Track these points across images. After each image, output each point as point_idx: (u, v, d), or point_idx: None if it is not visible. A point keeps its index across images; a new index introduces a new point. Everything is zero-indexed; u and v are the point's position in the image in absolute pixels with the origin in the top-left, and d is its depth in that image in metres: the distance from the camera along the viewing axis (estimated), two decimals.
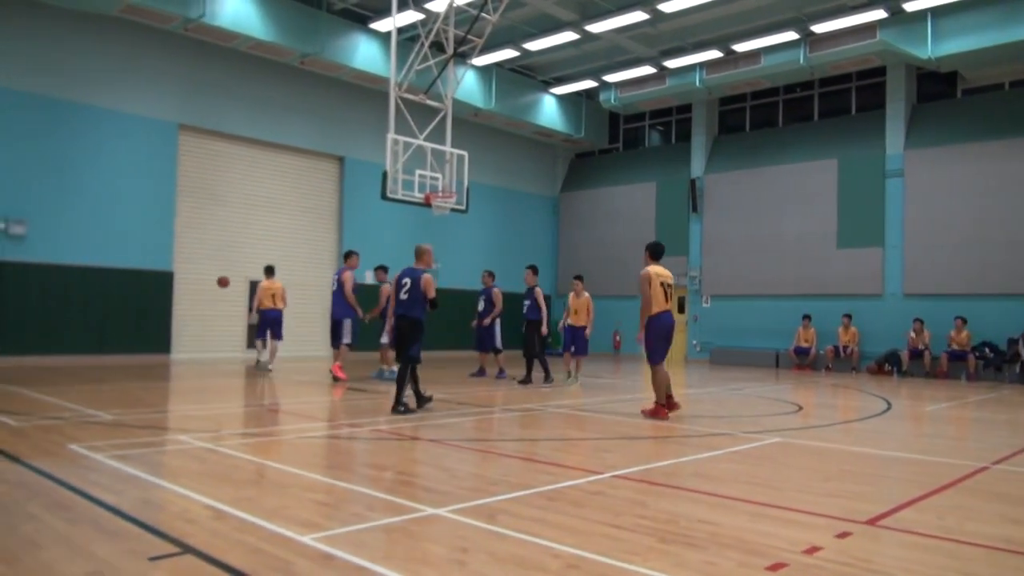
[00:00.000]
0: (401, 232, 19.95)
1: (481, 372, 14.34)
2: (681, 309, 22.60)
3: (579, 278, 13.18)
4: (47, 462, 5.58)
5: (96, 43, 15.69)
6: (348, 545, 3.76)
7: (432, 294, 8.67)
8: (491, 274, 14.25)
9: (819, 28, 17.32)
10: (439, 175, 14.16)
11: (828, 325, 18.79)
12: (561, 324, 13.51)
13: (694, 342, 21.96)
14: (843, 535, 4.12)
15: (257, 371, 14.16)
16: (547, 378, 12.93)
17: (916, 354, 17.24)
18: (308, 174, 19.53)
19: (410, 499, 4.74)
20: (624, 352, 23.38)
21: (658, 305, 8.60)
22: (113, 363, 15.18)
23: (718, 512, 4.57)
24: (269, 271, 14.62)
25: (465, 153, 14.50)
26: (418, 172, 13.86)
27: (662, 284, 8.68)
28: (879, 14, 16.50)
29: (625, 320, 23.27)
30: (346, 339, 12.44)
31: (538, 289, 13.31)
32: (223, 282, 14.26)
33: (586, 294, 12.96)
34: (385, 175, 13.21)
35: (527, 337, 13.08)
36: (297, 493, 4.85)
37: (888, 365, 17.66)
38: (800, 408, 10.40)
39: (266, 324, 14.25)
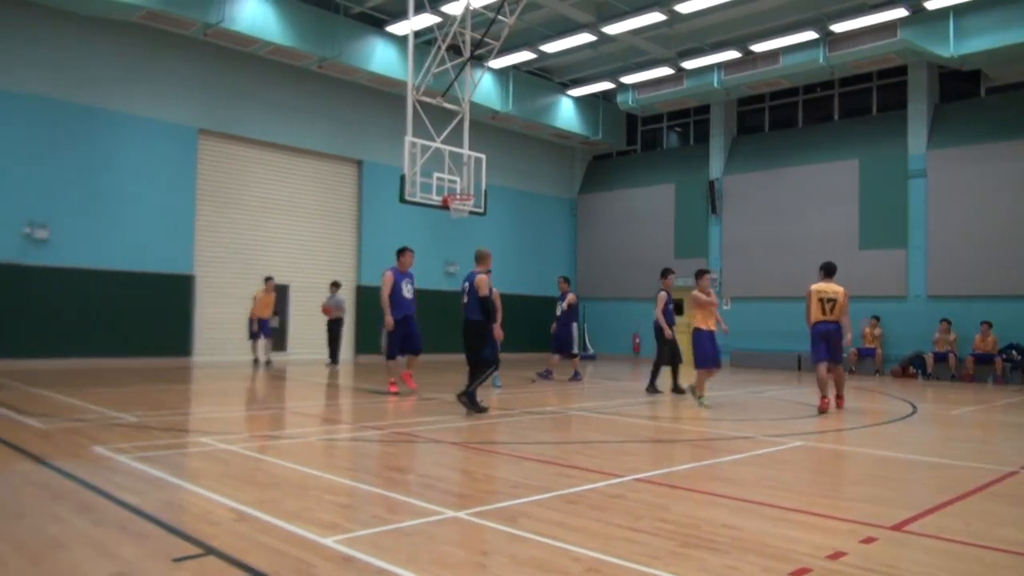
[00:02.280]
0: (419, 235, 19.97)
1: (577, 376, 14.38)
2: None
3: (706, 272, 10.77)
4: (72, 464, 5.64)
5: (116, 49, 15.88)
6: (369, 547, 3.77)
7: (483, 293, 8.93)
8: (567, 279, 14.64)
9: (839, 27, 17.17)
10: (456, 178, 14.17)
11: (851, 327, 18.56)
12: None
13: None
14: (868, 540, 4.06)
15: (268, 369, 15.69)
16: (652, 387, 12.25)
17: (941, 357, 17.02)
18: (326, 178, 19.64)
19: (430, 502, 4.73)
20: (644, 355, 23.27)
21: (815, 317, 10.15)
22: (135, 366, 15.33)
23: (740, 516, 4.53)
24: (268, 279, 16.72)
25: (483, 156, 14.50)
26: (436, 175, 13.88)
27: (820, 299, 10.11)
28: (900, 12, 16.32)
29: (644, 322, 23.14)
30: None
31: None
32: (328, 311, 17.11)
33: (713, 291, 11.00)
34: (403, 178, 13.25)
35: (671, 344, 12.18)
36: (318, 495, 4.86)
37: (913, 368, 17.45)
38: (823, 411, 10.29)
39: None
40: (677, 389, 11.91)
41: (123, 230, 15.85)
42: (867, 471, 6.18)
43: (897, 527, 4.35)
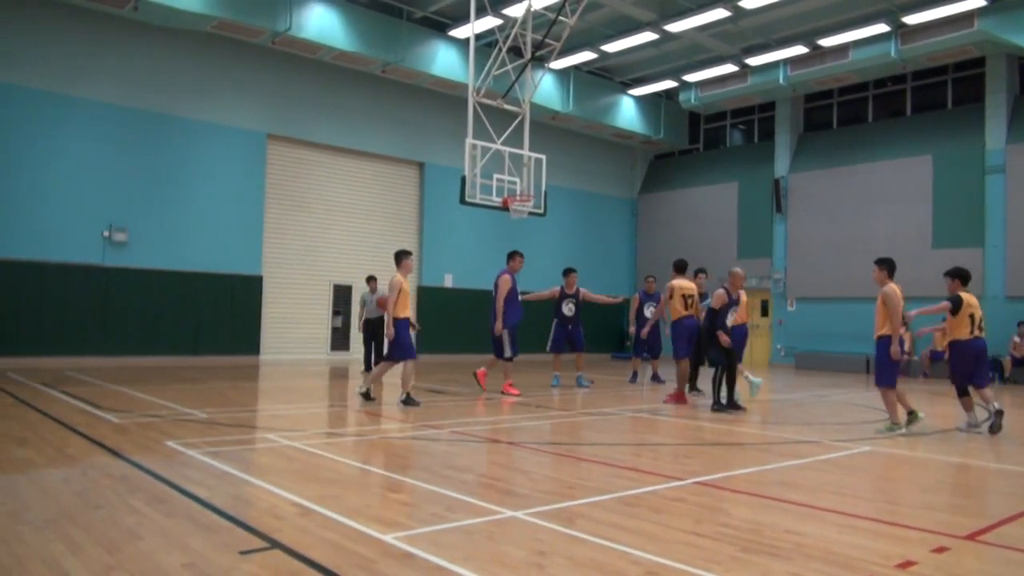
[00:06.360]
0: (479, 236, 20.14)
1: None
2: (765, 312, 22.02)
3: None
4: (147, 458, 5.87)
5: (191, 59, 16.48)
6: (428, 545, 3.82)
7: (714, 305, 9.81)
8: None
9: (912, 19, 16.59)
10: (517, 179, 14.21)
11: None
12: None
13: (778, 346, 21.34)
14: (940, 550, 3.92)
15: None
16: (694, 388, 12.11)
17: (1020, 361, 16.27)
18: (389, 180, 19.95)
19: (489, 501, 4.77)
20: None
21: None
22: (207, 364, 15.86)
23: (804, 522, 4.43)
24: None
25: (543, 156, 14.50)
26: (496, 176, 13.94)
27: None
28: (977, 2, 15.67)
29: None
30: (506, 352, 11.12)
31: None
32: (382, 304, 13.61)
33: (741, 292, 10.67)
34: (464, 180, 13.36)
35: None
36: (380, 492, 4.95)
37: (990, 372, 16.71)
38: None
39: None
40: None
41: (196, 232, 16.43)
42: (939, 478, 5.96)
43: (971, 537, 4.19)
